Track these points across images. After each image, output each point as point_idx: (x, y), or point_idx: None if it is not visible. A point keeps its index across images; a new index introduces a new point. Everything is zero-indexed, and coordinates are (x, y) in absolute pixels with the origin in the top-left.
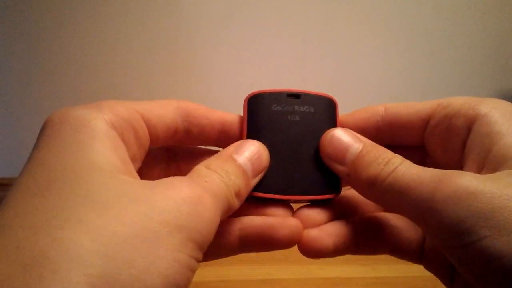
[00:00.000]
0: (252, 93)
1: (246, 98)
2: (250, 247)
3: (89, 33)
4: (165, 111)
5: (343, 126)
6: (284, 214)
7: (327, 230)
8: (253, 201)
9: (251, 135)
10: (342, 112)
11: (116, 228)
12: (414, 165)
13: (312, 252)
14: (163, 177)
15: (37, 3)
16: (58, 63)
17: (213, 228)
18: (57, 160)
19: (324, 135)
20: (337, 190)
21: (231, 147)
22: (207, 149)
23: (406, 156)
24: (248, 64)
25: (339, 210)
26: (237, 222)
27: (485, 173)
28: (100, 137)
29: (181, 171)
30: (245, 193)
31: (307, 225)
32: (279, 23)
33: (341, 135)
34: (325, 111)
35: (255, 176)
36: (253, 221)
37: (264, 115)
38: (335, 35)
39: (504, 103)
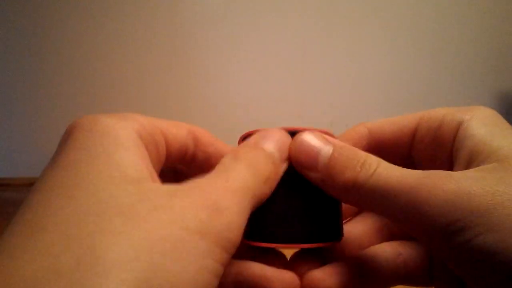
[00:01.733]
0: (247, 133)
1: (241, 137)
2: None
3: (88, 34)
4: (179, 131)
5: None
6: (278, 261)
7: (329, 270)
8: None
9: None
10: (342, 114)
11: (142, 235)
12: (394, 166)
13: None
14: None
15: (38, 4)
16: (57, 64)
17: (239, 228)
18: (84, 165)
19: (292, 141)
20: (338, 236)
21: (256, 136)
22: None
23: (394, 163)
24: (248, 64)
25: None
26: (234, 265)
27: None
28: (129, 145)
29: (196, 157)
30: (274, 179)
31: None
32: (279, 23)
33: (310, 139)
34: None
35: (283, 161)
36: (249, 269)
37: None
38: (335, 35)
39: (484, 109)
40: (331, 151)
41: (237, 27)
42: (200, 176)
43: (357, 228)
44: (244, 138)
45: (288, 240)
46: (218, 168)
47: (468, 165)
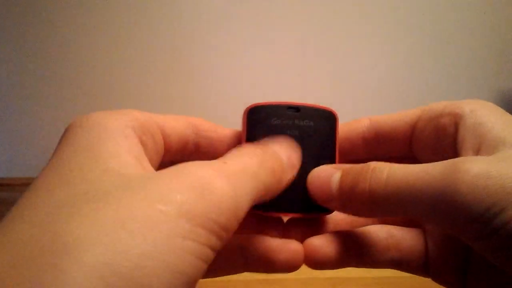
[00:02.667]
0: (252, 105)
1: (245, 110)
2: (253, 267)
3: (89, 34)
4: (177, 123)
5: (339, 139)
6: (277, 227)
7: (329, 238)
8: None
9: None
10: (341, 114)
11: (109, 215)
12: (404, 165)
13: (315, 261)
14: (180, 149)
15: (38, 4)
16: (57, 64)
17: (233, 213)
18: (67, 162)
19: (307, 179)
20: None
21: (265, 140)
22: (220, 126)
23: (394, 157)
24: (248, 64)
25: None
26: (238, 239)
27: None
28: (115, 136)
29: (200, 144)
30: (282, 174)
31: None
32: (279, 23)
33: (319, 172)
34: (325, 125)
35: (290, 167)
36: (256, 243)
37: (263, 129)
38: (335, 35)
39: (485, 102)
40: (339, 173)
41: (237, 28)
42: None
43: None
44: (249, 110)
45: (288, 210)
46: (220, 157)
47: (477, 153)
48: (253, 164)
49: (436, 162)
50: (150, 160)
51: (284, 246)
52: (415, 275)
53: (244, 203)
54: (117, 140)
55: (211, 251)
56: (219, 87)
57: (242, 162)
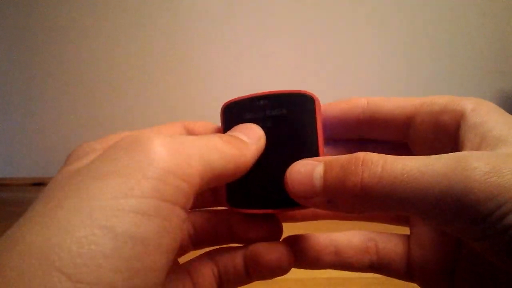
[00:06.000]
0: (226, 102)
1: (222, 108)
2: (254, 276)
3: (89, 34)
4: (174, 128)
5: (324, 118)
6: (270, 231)
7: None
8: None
9: None
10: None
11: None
12: (402, 157)
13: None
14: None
15: (38, 4)
16: (58, 64)
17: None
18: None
19: (285, 177)
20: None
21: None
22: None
23: (387, 145)
24: (248, 64)
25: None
26: (241, 249)
27: None
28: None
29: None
30: (241, 148)
31: None
32: (279, 23)
33: (299, 167)
34: (300, 110)
35: (254, 140)
36: (254, 249)
37: (237, 124)
38: (335, 35)
39: (486, 101)
40: (322, 166)
41: (236, 28)
42: None
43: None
44: (225, 106)
45: (260, 206)
46: None
47: (478, 146)
48: (203, 140)
49: (438, 156)
50: None
51: (270, 249)
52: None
53: (195, 163)
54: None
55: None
56: (218, 86)
57: (196, 139)
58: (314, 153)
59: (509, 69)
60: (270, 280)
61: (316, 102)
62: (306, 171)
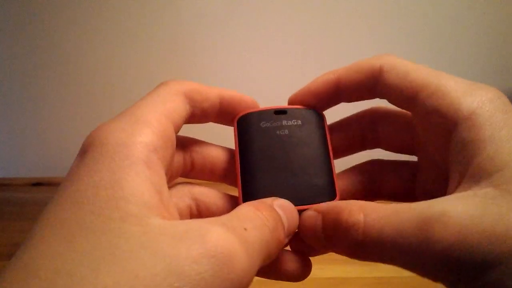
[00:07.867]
0: (241, 113)
1: (235, 119)
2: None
3: (89, 33)
4: (178, 105)
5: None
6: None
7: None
8: None
9: (243, 152)
10: (341, 114)
11: (113, 275)
12: (382, 206)
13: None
14: (181, 167)
15: (38, 4)
16: (58, 64)
17: (246, 284)
18: (86, 202)
19: (300, 221)
20: (334, 195)
21: (269, 199)
22: (212, 143)
23: (395, 174)
24: (248, 64)
25: None
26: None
27: (464, 187)
28: (136, 167)
29: (194, 162)
30: (282, 244)
31: None
32: (279, 23)
33: (306, 216)
34: (312, 122)
35: (287, 235)
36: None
37: (254, 132)
38: (335, 35)
39: (495, 97)
40: (321, 219)
41: (236, 28)
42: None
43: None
44: (239, 118)
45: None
46: (233, 215)
47: (461, 179)
48: (267, 234)
49: (412, 208)
50: (168, 165)
51: (289, 257)
52: (416, 275)
53: (254, 274)
54: (139, 172)
55: None
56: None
57: (259, 232)
58: (326, 156)
59: (509, 69)
60: (270, 280)
61: (325, 118)
62: (311, 221)
